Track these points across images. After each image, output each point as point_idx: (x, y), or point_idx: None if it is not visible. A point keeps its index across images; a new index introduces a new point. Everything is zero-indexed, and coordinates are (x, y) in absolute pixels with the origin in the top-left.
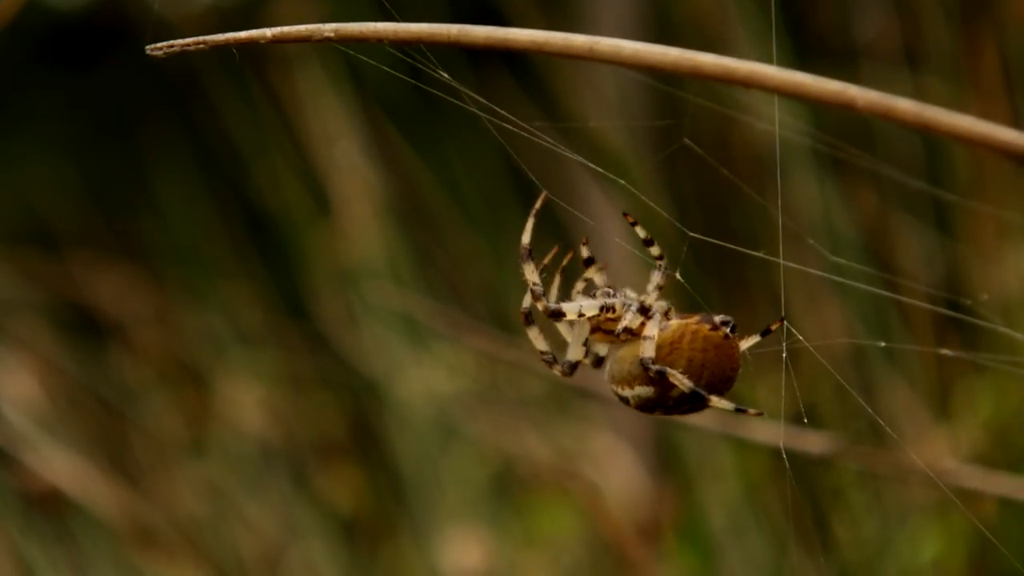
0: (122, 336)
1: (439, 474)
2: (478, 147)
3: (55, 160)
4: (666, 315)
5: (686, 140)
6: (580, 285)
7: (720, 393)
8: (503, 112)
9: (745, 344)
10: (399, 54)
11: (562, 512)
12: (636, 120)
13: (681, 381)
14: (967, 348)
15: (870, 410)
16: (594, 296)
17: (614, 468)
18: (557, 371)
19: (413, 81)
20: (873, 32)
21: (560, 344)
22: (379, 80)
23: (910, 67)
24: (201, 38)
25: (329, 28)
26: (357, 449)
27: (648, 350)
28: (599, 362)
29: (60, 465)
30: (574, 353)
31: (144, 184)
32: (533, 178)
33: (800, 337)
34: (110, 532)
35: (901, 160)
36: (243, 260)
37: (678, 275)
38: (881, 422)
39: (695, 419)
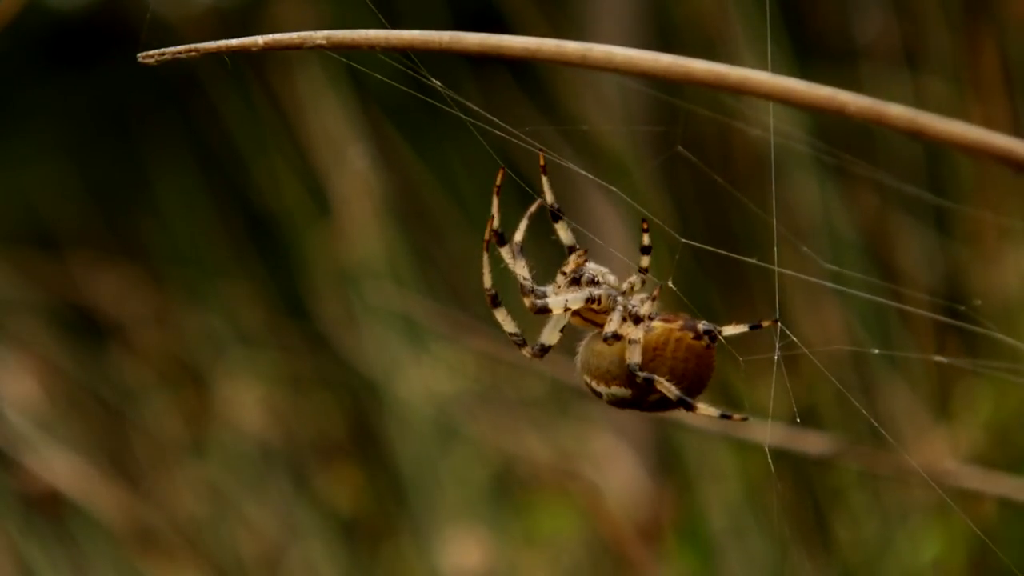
0: (122, 336)
1: (439, 474)
2: (478, 147)
3: (55, 160)
4: (649, 316)
5: (680, 147)
6: (563, 274)
7: (693, 398)
8: (494, 119)
9: (731, 331)
10: (389, 60)
11: (562, 512)
12: (636, 122)
13: (668, 389)
14: (967, 350)
15: (865, 413)
16: (579, 282)
17: (614, 469)
18: (527, 353)
19: (404, 88)
20: (873, 32)
21: (528, 321)
22: (378, 80)
23: (910, 68)
24: (192, 46)
25: (320, 36)
26: (357, 449)
27: (635, 355)
28: (542, 350)
29: (60, 466)
30: (549, 337)
31: (144, 184)
32: (522, 182)
33: (795, 339)
34: (110, 533)
35: (901, 161)
36: (243, 260)
37: (671, 283)
38: (876, 424)
39: (695, 421)
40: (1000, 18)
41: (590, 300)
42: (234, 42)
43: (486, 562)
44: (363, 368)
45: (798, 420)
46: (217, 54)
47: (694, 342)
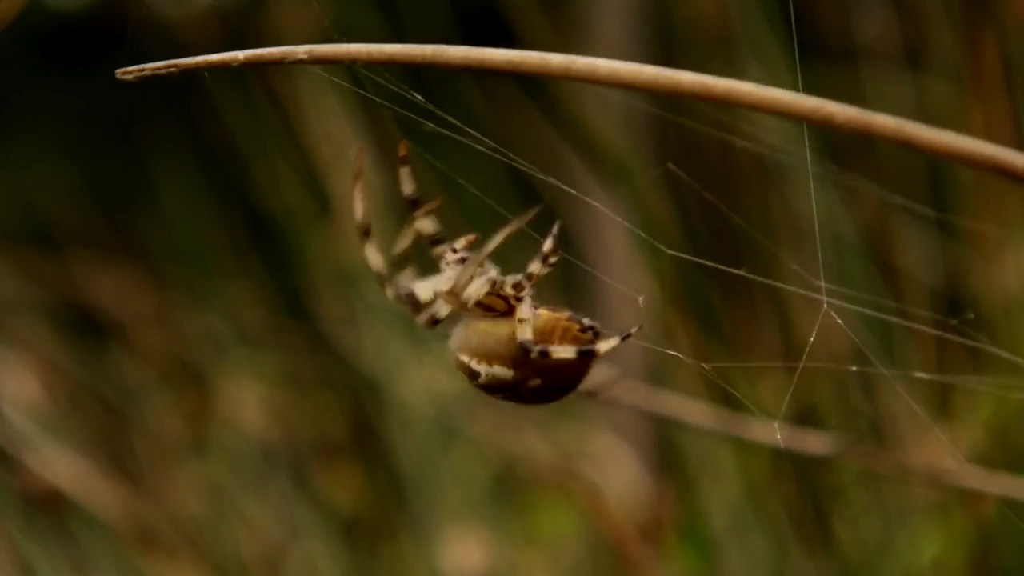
0: (122, 336)
1: (440, 474)
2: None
3: (56, 160)
4: (529, 296)
5: (670, 164)
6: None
7: (566, 393)
8: (477, 134)
9: (604, 346)
10: (367, 74)
11: (563, 512)
12: (637, 126)
13: (565, 351)
14: (969, 353)
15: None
16: (462, 264)
17: (615, 468)
18: (390, 294)
19: (386, 105)
20: (873, 32)
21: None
22: (378, 81)
23: (910, 68)
24: (173, 62)
25: (302, 50)
26: (358, 449)
27: (527, 333)
28: (435, 323)
29: (61, 465)
30: (440, 310)
31: (145, 184)
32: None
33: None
34: (111, 532)
35: (900, 163)
36: (244, 260)
37: (640, 300)
38: (876, 423)
39: (696, 419)
40: (1001, 18)
41: (492, 283)
42: (214, 57)
43: (487, 562)
44: (364, 368)
45: (798, 420)
46: (197, 70)
47: (580, 334)
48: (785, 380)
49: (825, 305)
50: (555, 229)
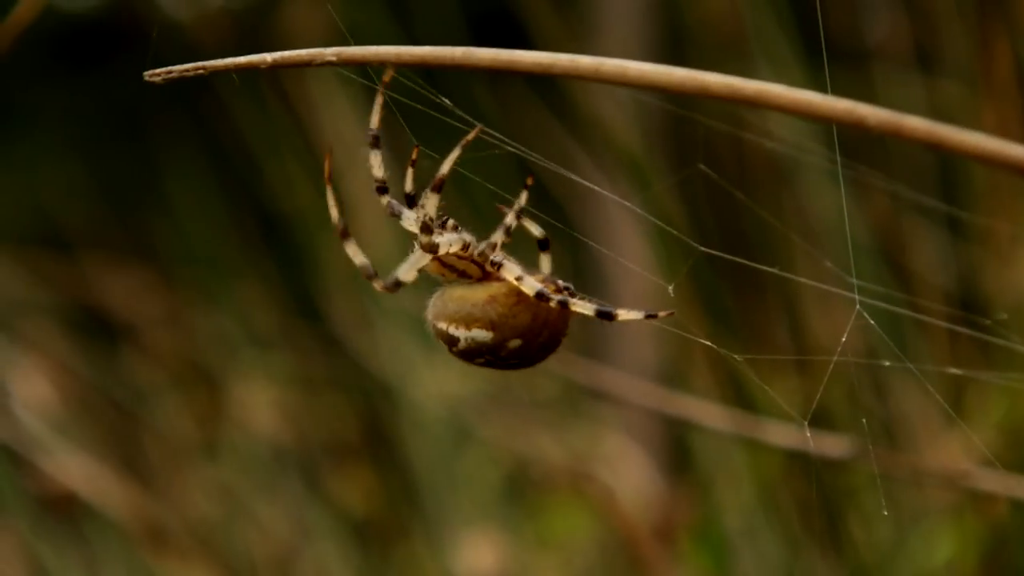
0: (134, 338)
1: (452, 476)
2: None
3: (67, 161)
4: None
5: (701, 165)
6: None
7: (546, 355)
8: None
9: (625, 314)
10: (402, 77)
11: (575, 514)
12: (653, 125)
13: (584, 306)
14: (981, 353)
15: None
16: (445, 227)
17: (627, 470)
18: (378, 285)
19: (407, 102)
20: (884, 33)
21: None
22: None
23: (922, 69)
24: (200, 64)
25: (331, 52)
26: (369, 451)
27: (535, 284)
28: (396, 285)
29: (74, 467)
30: (406, 274)
31: (156, 186)
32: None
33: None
34: (124, 535)
35: (914, 164)
36: (256, 262)
37: (670, 289)
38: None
39: (711, 421)
40: (1014, 19)
41: (465, 247)
42: (242, 60)
43: (499, 564)
44: (376, 370)
45: (816, 421)
46: (225, 72)
47: (556, 295)
48: (801, 380)
49: (857, 305)
50: (522, 197)
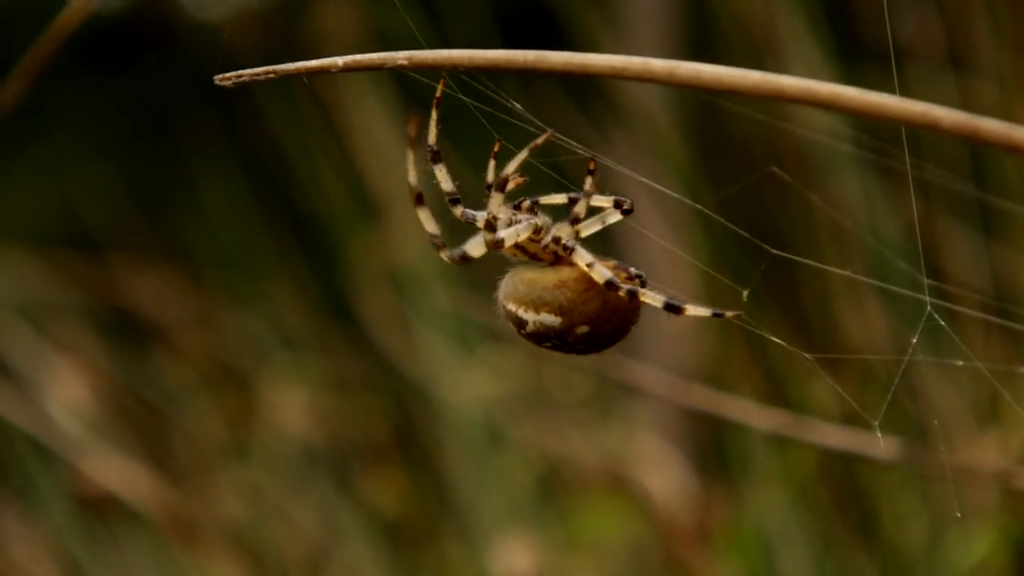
0: (164, 339)
1: (484, 477)
2: (521, 145)
3: (96, 163)
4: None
5: (775, 168)
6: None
7: (614, 342)
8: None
9: (694, 310)
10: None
11: (608, 515)
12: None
13: (654, 298)
14: (1016, 351)
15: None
16: (519, 208)
17: (661, 470)
18: (445, 256)
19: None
20: (913, 31)
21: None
22: (422, 81)
23: (953, 68)
24: (271, 68)
25: (402, 56)
26: (401, 452)
27: (605, 272)
28: (463, 258)
29: (110, 467)
30: (474, 249)
31: (186, 186)
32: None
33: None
34: (156, 534)
35: (946, 159)
36: (287, 262)
37: (744, 295)
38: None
39: (751, 419)
40: None
41: (537, 231)
42: (313, 63)
43: (532, 565)
44: (408, 371)
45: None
46: (296, 76)
47: (627, 281)
48: (838, 379)
49: (929, 307)
50: (591, 177)
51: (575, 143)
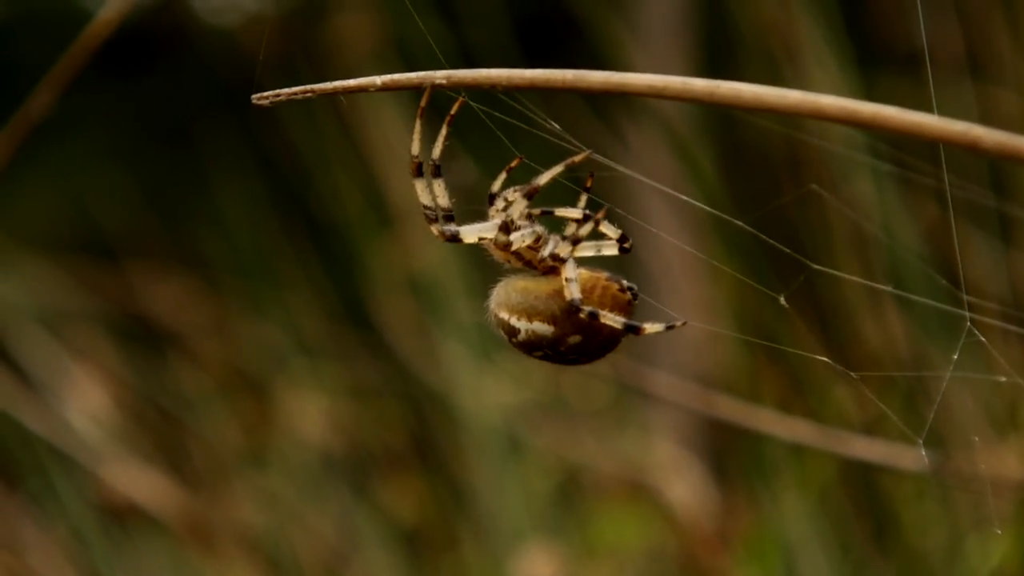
0: (181, 346)
1: (502, 485)
2: (537, 153)
3: (112, 169)
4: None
5: (813, 185)
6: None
7: (605, 352)
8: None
9: (650, 327)
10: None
11: (627, 523)
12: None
13: (613, 319)
14: None
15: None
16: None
17: (680, 477)
18: (435, 230)
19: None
20: (929, 37)
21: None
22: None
23: (972, 75)
24: (309, 87)
25: (441, 75)
26: (419, 460)
27: (575, 292)
28: (453, 237)
29: (130, 475)
30: (468, 235)
31: (203, 192)
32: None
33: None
34: (174, 541)
35: (964, 168)
36: (304, 269)
37: (782, 299)
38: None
39: (763, 427)
40: None
41: (536, 239)
42: (351, 83)
43: (551, 573)
44: (425, 378)
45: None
46: (334, 95)
47: (619, 294)
48: (853, 392)
49: (968, 323)
50: (582, 200)
51: (605, 158)
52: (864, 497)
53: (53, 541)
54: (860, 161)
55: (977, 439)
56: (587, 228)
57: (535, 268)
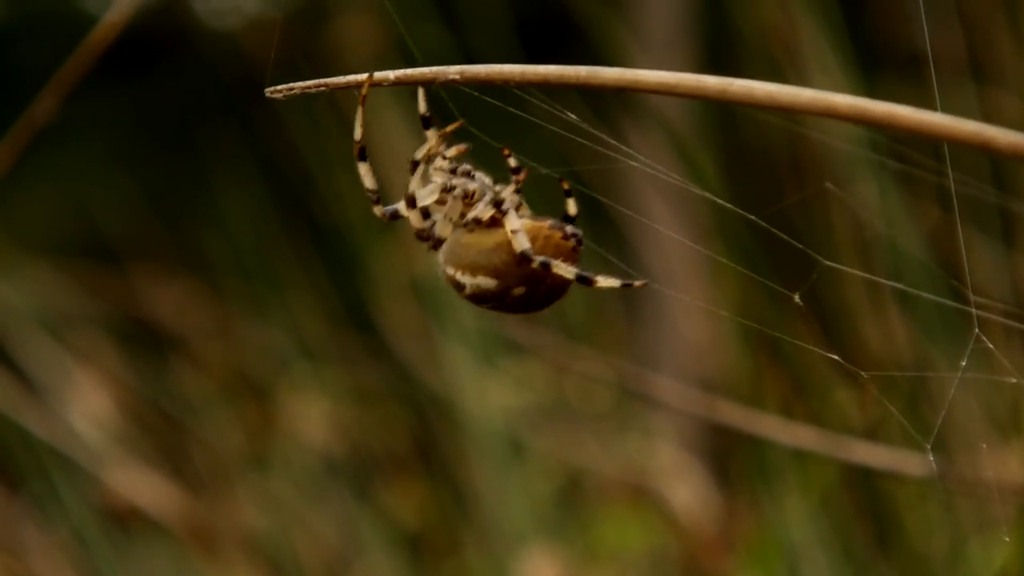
0: (184, 350)
1: (505, 488)
2: (540, 152)
3: (115, 172)
4: (517, 209)
5: (828, 184)
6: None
7: (551, 301)
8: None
9: (604, 281)
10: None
11: (629, 526)
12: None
13: (566, 270)
14: None
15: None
16: (455, 175)
17: (682, 481)
18: (378, 211)
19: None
20: (931, 40)
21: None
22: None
23: (974, 79)
24: (322, 81)
25: (453, 71)
26: (422, 463)
27: (524, 242)
28: (437, 243)
29: (133, 479)
30: (405, 209)
31: (205, 195)
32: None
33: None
34: (177, 545)
35: (967, 168)
36: (307, 272)
37: (797, 298)
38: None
39: (766, 432)
40: None
41: (466, 196)
42: (363, 77)
43: None
44: (428, 381)
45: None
46: (347, 89)
47: (562, 242)
48: (854, 395)
49: (976, 329)
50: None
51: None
52: (867, 501)
53: (55, 544)
54: (864, 162)
55: (984, 445)
56: (523, 175)
57: (480, 222)
